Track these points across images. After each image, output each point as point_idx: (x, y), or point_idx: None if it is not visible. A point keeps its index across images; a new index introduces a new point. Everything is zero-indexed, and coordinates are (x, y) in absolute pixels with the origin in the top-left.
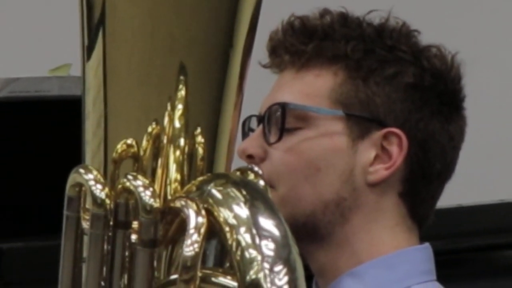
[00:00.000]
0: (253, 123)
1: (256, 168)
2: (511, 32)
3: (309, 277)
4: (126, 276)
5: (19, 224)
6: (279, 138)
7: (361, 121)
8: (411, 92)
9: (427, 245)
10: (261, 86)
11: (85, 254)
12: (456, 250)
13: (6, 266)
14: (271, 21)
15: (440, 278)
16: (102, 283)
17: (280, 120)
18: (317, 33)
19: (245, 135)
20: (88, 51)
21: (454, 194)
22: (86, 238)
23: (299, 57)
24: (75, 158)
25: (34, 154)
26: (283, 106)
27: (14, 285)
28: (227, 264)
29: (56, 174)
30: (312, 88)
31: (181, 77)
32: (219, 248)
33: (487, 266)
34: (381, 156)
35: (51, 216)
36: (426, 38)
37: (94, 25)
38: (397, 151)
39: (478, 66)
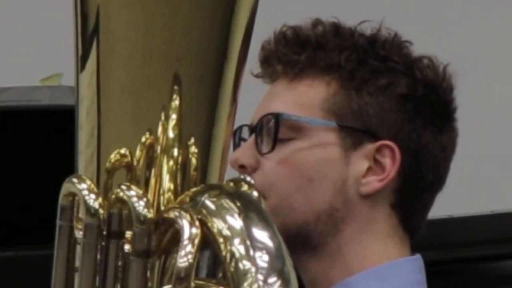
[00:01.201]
0: (245, 132)
1: (248, 179)
2: (500, 44)
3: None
4: (118, 286)
5: (9, 233)
6: (272, 149)
7: (354, 132)
8: (404, 102)
9: (418, 256)
10: (252, 96)
11: (77, 263)
12: (446, 261)
13: None
14: (262, 31)
15: None
16: None
17: (273, 130)
18: (310, 43)
19: (236, 145)
20: (82, 61)
21: (444, 205)
22: (78, 248)
23: (292, 67)
24: (66, 167)
25: (24, 163)
26: (277, 117)
27: None
28: (220, 275)
29: (46, 182)
30: (305, 98)
31: (175, 87)
32: (212, 258)
33: (477, 277)
34: (374, 168)
35: (41, 226)
36: (416, 49)
37: (88, 35)
38: (390, 163)
39: (471, 76)
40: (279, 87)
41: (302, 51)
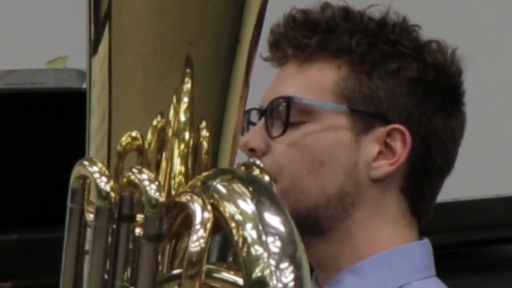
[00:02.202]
0: (253, 116)
1: (258, 162)
2: (508, 30)
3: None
4: (129, 270)
5: (15, 216)
6: (283, 132)
7: (365, 116)
8: (414, 86)
9: (426, 240)
10: (259, 79)
11: (87, 246)
12: (452, 244)
13: (1, 258)
14: (269, 16)
15: (436, 272)
16: (106, 276)
17: (285, 114)
18: (320, 27)
19: (244, 128)
20: (94, 45)
21: (450, 189)
22: (89, 231)
23: (302, 50)
24: (71, 150)
25: (30, 146)
26: (288, 100)
27: (9, 277)
28: (230, 258)
29: (51, 165)
30: (315, 82)
31: (187, 70)
32: (222, 242)
33: (483, 260)
34: (384, 152)
35: (49, 209)
36: (424, 33)
37: (100, 19)
38: (401, 147)
39: (476, 61)
40: (289, 71)
41: (312, 35)
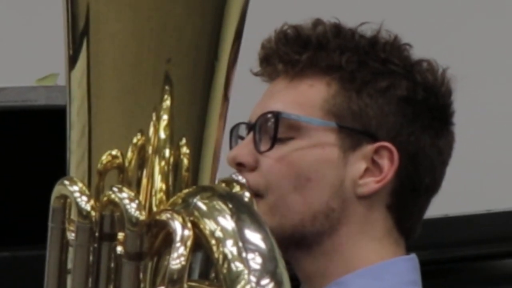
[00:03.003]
0: (242, 130)
1: (240, 179)
2: (498, 49)
3: (295, 287)
4: None
5: (4, 234)
6: (271, 147)
7: (353, 133)
8: (403, 105)
9: (413, 255)
10: (248, 94)
11: (69, 265)
12: (442, 260)
13: None
14: (255, 30)
15: None
16: None
17: (273, 129)
18: (311, 43)
19: (232, 142)
20: (72, 61)
21: (440, 204)
22: (71, 249)
23: (293, 66)
24: (62, 168)
25: (20, 163)
26: (276, 115)
27: None
28: (213, 275)
29: (42, 183)
30: (305, 98)
31: (166, 88)
32: (204, 259)
33: (473, 276)
34: (371, 170)
35: (37, 226)
36: (416, 52)
37: (78, 35)
38: (388, 165)
39: (467, 81)
40: (279, 86)
41: (303, 51)
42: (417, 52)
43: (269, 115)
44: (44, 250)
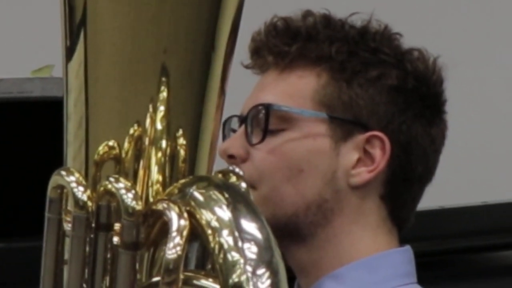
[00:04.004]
0: (234, 123)
1: (237, 170)
2: (491, 38)
3: (290, 279)
4: (108, 278)
5: (1, 224)
6: (262, 139)
7: (344, 123)
8: (394, 94)
9: (407, 247)
10: (241, 87)
11: (66, 256)
12: (437, 252)
13: None
14: (251, 22)
15: (421, 280)
16: (84, 285)
17: (264, 121)
18: (300, 34)
19: (225, 135)
20: (69, 52)
21: (435, 196)
22: (67, 240)
23: (283, 58)
24: (58, 159)
25: (16, 155)
26: (267, 107)
27: None
28: (209, 266)
29: (38, 174)
30: (295, 89)
31: (163, 79)
32: (201, 250)
33: (469, 268)
34: (363, 159)
35: (34, 217)
36: (407, 41)
37: (75, 27)
38: (380, 154)
39: (459, 69)
40: (269, 78)
41: (292, 42)
42: (408, 41)
43: (260, 107)
44: (40, 241)
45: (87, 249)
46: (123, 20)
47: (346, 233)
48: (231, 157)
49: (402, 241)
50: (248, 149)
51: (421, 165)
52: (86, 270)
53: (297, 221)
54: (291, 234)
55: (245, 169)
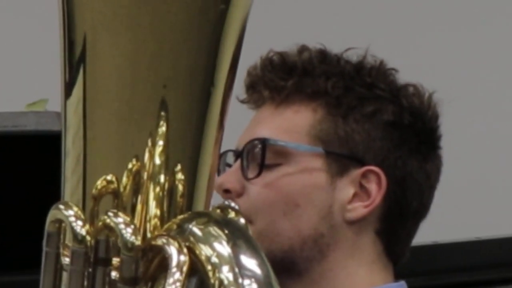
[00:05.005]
0: (230, 158)
1: (233, 205)
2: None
3: None
4: None
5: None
6: (259, 174)
7: (340, 158)
8: (390, 130)
9: (402, 282)
10: (236, 121)
11: None
12: (433, 287)
13: None
14: (246, 57)
15: None
16: None
17: (260, 155)
18: (296, 69)
19: (220, 170)
20: (68, 88)
21: (429, 231)
22: (65, 274)
23: (279, 92)
24: (51, 193)
25: (11, 189)
26: (263, 142)
27: None
28: None
29: (33, 208)
30: (291, 124)
31: (162, 113)
32: (199, 285)
33: None
34: (359, 194)
35: (28, 251)
36: (402, 76)
37: (75, 62)
38: (376, 189)
39: (454, 105)
40: (265, 113)
41: (288, 77)
42: (404, 77)
43: (256, 142)
44: (38, 274)
45: (85, 283)
46: (122, 57)
47: (341, 268)
48: (226, 192)
49: (395, 276)
50: (243, 183)
51: (416, 200)
52: None
53: (293, 256)
54: (287, 269)
55: (240, 203)
